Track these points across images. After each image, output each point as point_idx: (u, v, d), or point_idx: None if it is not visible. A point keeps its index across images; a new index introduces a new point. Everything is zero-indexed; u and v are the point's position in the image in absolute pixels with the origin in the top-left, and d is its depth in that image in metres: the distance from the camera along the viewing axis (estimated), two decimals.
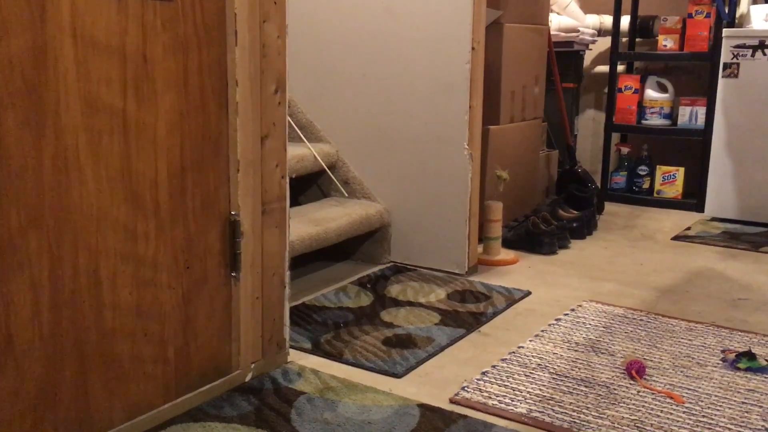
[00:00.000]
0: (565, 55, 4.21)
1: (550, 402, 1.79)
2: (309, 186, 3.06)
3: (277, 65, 1.82)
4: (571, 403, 1.79)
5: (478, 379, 1.90)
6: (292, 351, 2.04)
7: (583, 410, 1.75)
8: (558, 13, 4.49)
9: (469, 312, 2.39)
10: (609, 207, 4.05)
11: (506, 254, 3.04)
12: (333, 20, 2.92)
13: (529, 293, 2.60)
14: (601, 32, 4.60)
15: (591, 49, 4.57)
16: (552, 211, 3.49)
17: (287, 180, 1.91)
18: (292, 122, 3.00)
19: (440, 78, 2.71)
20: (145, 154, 1.53)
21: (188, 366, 1.70)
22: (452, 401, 1.80)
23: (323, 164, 2.89)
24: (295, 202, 2.99)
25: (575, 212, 3.50)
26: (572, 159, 4.01)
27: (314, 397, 1.79)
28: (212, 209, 1.71)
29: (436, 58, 2.71)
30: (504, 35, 3.22)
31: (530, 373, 1.95)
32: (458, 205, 2.76)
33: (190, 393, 1.71)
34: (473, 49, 2.65)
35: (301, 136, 2.96)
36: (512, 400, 1.79)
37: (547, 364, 2.00)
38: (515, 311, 2.43)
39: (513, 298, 2.54)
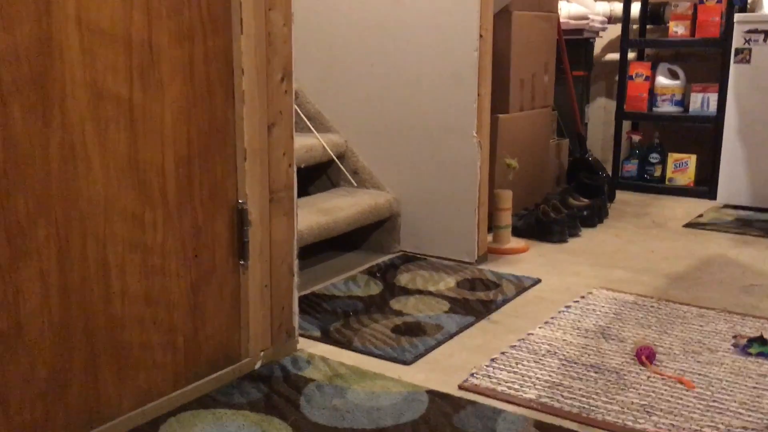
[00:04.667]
0: (575, 43, 4.18)
1: (560, 388, 1.79)
2: (318, 176, 3.07)
3: (283, 53, 1.82)
4: (580, 388, 1.78)
5: (487, 366, 1.90)
6: (301, 339, 2.05)
7: (593, 396, 1.75)
8: (568, 1, 4.47)
9: (478, 300, 2.39)
10: (620, 195, 4.03)
11: (516, 243, 3.03)
12: (340, 9, 2.91)
13: (539, 281, 2.59)
14: (611, 19, 4.57)
15: (601, 37, 4.54)
16: (562, 200, 3.47)
17: (294, 168, 1.91)
18: (300, 112, 3.00)
19: (448, 66, 2.70)
20: (152, 142, 1.54)
21: (198, 354, 1.71)
22: (461, 387, 1.80)
23: (332, 154, 2.89)
24: (304, 192, 2.99)
25: (586, 200, 3.48)
26: (583, 147, 3.99)
27: (323, 384, 1.79)
28: (220, 198, 1.71)
29: (444, 47, 2.70)
30: (513, 23, 3.20)
31: (540, 359, 1.94)
32: (467, 194, 2.76)
33: (200, 380, 1.72)
34: (481, 36, 2.64)
35: (310, 125, 2.96)
36: (521, 386, 1.79)
37: (557, 351, 1.99)
38: (525, 299, 2.43)
39: (523, 285, 2.53)
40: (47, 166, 1.35)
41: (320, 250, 2.93)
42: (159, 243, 1.58)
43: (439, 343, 2.05)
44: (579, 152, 3.99)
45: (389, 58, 2.83)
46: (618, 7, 4.46)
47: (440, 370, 1.90)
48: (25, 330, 1.35)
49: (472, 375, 1.85)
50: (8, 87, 1.27)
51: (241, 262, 1.79)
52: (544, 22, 3.46)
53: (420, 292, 2.46)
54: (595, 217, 3.42)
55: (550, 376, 1.85)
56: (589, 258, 2.89)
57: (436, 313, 2.27)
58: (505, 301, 2.38)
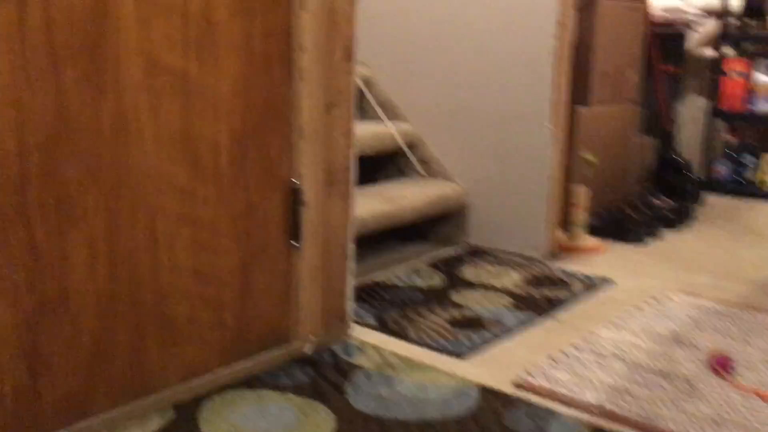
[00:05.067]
0: (666, 37, 3.98)
1: (623, 393, 1.67)
2: (387, 165, 3.02)
3: (345, 32, 1.78)
4: (646, 395, 1.66)
5: (545, 365, 1.81)
6: (356, 327, 2.00)
7: (658, 403, 1.63)
8: None
9: (544, 297, 2.28)
10: (710, 198, 3.80)
11: (591, 241, 2.89)
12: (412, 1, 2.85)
13: (611, 282, 2.46)
14: (708, 13, 4.32)
15: (696, 31, 4.29)
16: (644, 199, 3.31)
17: (354, 151, 1.87)
18: (372, 99, 2.96)
19: (524, 53, 2.60)
20: (207, 117, 1.52)
21: (246, 332, 1.69)
22: (515, 385, 1.71)
23: (401, 142, 2.83)
24: (371, 180, 2.95)
25: (669, 201, 3.30)
26: (670, 146, 3.79)
27: (372, 372, 1.74)
28: (273, 176, 1.68)
29: (520, 33, 2.60)
30: (597, 12, 3.06)
31: (603, 361, 1.83)
32: (538, 187, 2.65)
33: (247, 360, 1.70)
34: (560, 23, 2.53)
35: (380, 113, 2.92)
36: (581, 389, 1.69)
37: (624, 354, 1.88)
38: (594, 299, 2.31)
39: (593, 285, 2.41)
40: (99, 134, 1.35)
41: (386, 240, 2.88)
42: (209, 219, 1.56)
43: (497, 339, 1.97)
44: (666, 151, 3.80)
45: (462, 44, 2.75)
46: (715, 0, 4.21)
47: (496, 366, 1.81)
48: (71, 296, 1.36)
49: (528, 373, 1.76)
50: (62, 52, 1.28)
51: (294, 243, 1.76)
52: (632, 12, 3.30)
53: (484, 286, 2.38)
54: (679, 218, 3.24)
55: (613, 379, 1.74)
56: (668, 261, 2.73)
57: (498, 307, 2.18)
58: (573, 300, 2.27)
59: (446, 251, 2.76)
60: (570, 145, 3.05)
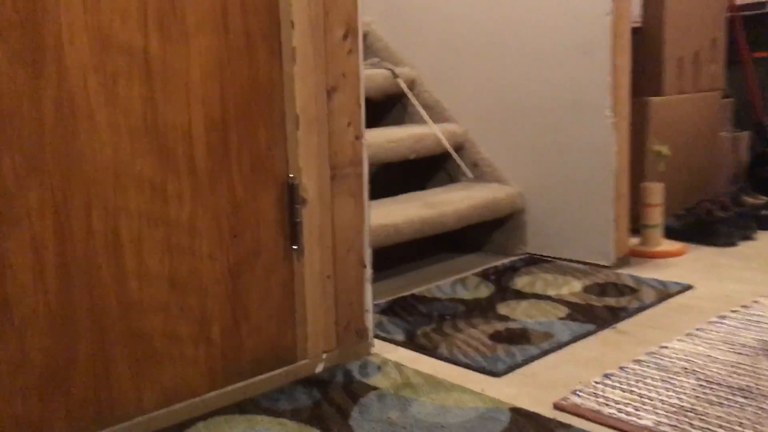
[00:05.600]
0: (756, 19, 3.56)
1: (689, 414, 1.35)
2: (436, 170, 2.78)
3: (345, 6, 1.58)
4: (718, 416, 1.34)
5: (597, 382, 1.51)
6: (381, 343, 1.77)
7: (735, 425, 1.30)
8: None
9: (605, 306, 1.97)
10: None
11: (669, 245, 2.54)
12: None
13: (689, 287, 2.11)
14: None
15: None
16: (735, 197, 2.91)
17: (364, 142, 1.65)
18: (414, 100, 2.74)
19: (575, 35, 2.32)
20: (176, 102, 1.34)
21: (239, 350, 1.48)
22: (557, 407, 1.42)
23: (446, 144, 2.59)
24: (420, 188, 2.72)
25: (765, 198, 2.89)
26: (765, 140, 3.37)
27: (387, 393, 1.49)
28: (265, 171, 1.48)
29: (569, 12, 2.32)
30: None
31: (670, 378, 1.51)
32: (601, 185, 2.34)
33: (242, 381, 1.49)
34: None
35: (423, 113, 2.69)
36: (636, 410, 1.38)
37: (696, 369, 1.55)
38: (667, 307, 1.97)
39: (667, 292, 2.07)
40: (39, 121, 1.19)
41: (435, 251, 2.63)
42: (186, 218, 1.38)
43: (544, 354, 1.68)
44: (760, 145, 3.37)
45: (508, 32, 2.49)
46: None
47: (536, 385, 1.53)
48: (13, 307, 1.19)
49: (574, 392, 1.47)
50: None
51: (294, 247, 1.55)
52: None
53: (537, 296, 2.08)
54: None
55: (679, 399, 1.42)
56: (761, 264, 2.34)
57: (549, 319, 1.89)
58: (641, 309, 1.94)
59: (501, 261, 2.48)
60: (641, 139, 2.72)
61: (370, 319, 1.71)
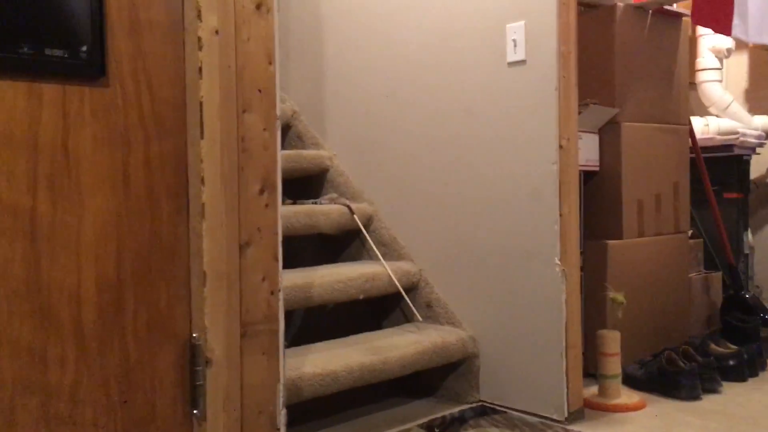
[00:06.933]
0: (724, 161, 3.59)
1: None
2: (392, 309, 2.70)
3: (263, 161, 1.56)
4: None
5: None
6: None
7: None
8: (717, 116, 3.91)
9: None
10: None
11: (628, 397, 2.42)
12: (412, 127, 2.64)
13: None
14: None
15: (759, 154, 3.88)
16: (701, 345, 2.81)
17: (280, 297, 1.59)
18: (369, 238, 2.71)
19: (525, 182, 2.30)
20: (63, 263, 1.29)
21: None
22: None
23: (398, 284, 2.53)
24: (377, 327, 2.64)
25: (733, 347, 2.78)
26: (736, 282, 3.29)
27: None
28: (163, 330, 1.42)
29: (519, 160, 2.31)
30: (622, 136, 2.75)
31: None
32: (551, 334, 2.25)
33: None
34: (561, 147, 2.23)
35: (377, 252, 2.65)
36: None
37: None
38: None
39: None
40: None
41: (385, 394, 2.52)
42: (68, 384, 1.30)
43: None
44: (732, 288, 3.30)
45: (463, 174, 2.48)
46: None
47: None
48: None
49: None
50: None
51: (194, 412, 1.45)
52: (668, 135, 2.96)
53: None
54: (744, 369, 2.71)
55: None
56: (726, 424, 2.22)
57: None
58: None
59: (450, 410, 2.36)
60: (599, 284, 2.66)
61: None
